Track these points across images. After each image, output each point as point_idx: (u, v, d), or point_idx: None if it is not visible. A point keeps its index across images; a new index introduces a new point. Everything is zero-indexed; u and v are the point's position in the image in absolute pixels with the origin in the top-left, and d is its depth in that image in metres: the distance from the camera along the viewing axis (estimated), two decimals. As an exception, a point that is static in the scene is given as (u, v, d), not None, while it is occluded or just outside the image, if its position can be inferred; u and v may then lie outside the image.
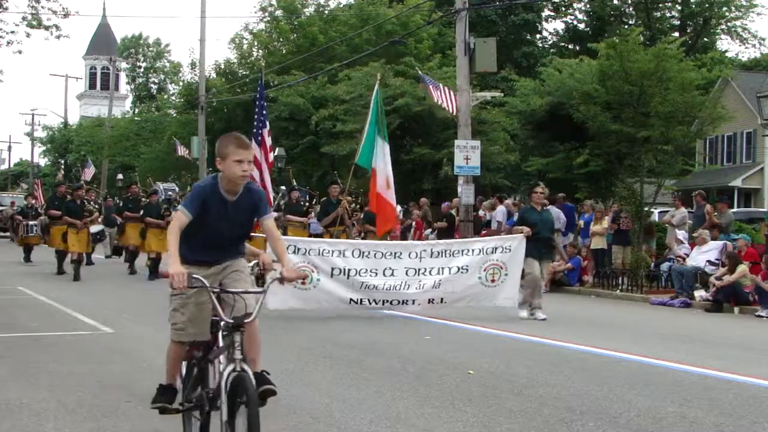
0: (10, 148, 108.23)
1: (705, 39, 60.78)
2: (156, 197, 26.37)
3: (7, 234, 52.57)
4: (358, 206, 28.64)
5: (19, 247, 32.55)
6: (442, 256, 15.88)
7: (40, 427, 7.66)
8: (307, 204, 27.46)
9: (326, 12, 55.22)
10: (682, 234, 25.25)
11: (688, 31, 57.63)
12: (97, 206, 30.92)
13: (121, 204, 28.42)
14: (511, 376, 10.29)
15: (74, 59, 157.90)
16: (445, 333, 14.22)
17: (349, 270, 15.42)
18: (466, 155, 26.80)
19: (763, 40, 65.39)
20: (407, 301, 15.71)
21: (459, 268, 15.82)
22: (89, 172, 51.98)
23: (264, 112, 19.21)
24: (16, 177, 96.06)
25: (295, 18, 54.88)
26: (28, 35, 35.75)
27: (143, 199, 26.99)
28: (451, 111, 29.35)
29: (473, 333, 14.25)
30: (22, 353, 11.68)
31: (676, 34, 52.22)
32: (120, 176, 60.43)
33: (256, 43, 58.17)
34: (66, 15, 38.09)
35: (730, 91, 46.42)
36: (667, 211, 30.10)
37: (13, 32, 38.81)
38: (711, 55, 53.51)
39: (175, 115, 63.30)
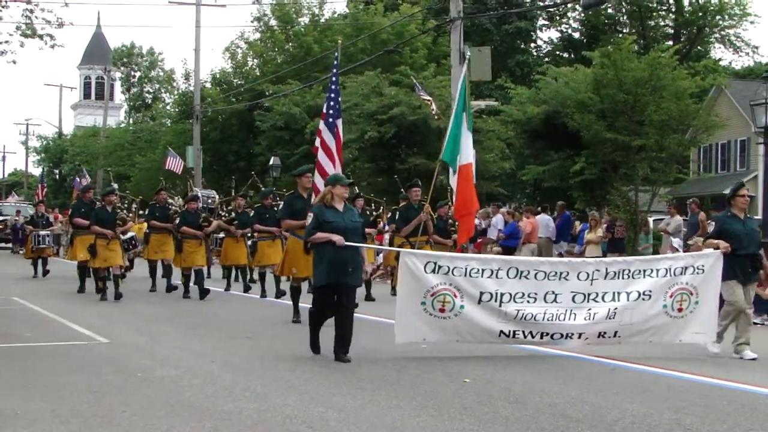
0: (4, 158, 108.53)
1: (699, 47, 60.86)
2: (195, 205, 22.64)
3: (9, 246, 52.36)
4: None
5: (27, 259, 30.34)
6: (619, 277, 12.36)
7: (36, 437, 7.65)
8: (374, 213, 26.10)
9: (321, 21, 55.26)
10: (677, 242, 25.25)
11: (682, 39, 57.68)
12: (131, 215, 28.89)
13: (147, 212, 24.83)
14: (506, 384, 10.28)
15: (69, 69, 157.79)
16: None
17: (502, 295, 12.00)
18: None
19: (757, 48, 65.61)
20: (571, 334, 12.30)
21: (640, 294, 12.32)
22: (85, 182, 51.86)
23: (339, 98, 17.11)
24: (10, 187, 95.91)
25: (290, 27, 54.90)
26: (22, 45, 35.64)
27: (173, 207, 24.52)
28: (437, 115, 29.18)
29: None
30: (15, 363, 11.65)
31: (670, 42, 52.31)
32: (115, 185, 60.32)
33: (251, 53, 58.22)
34: (61, 25, 37.94)
35: (723, 100, 46.52)
36: (662, 219, 30.12)
37: (6, 42, 38.80)
38: (705, 63, 53.43)
39: (169, 124, 63.29)
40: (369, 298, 20.17)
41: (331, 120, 16.78)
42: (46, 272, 28.65)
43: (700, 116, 31.72)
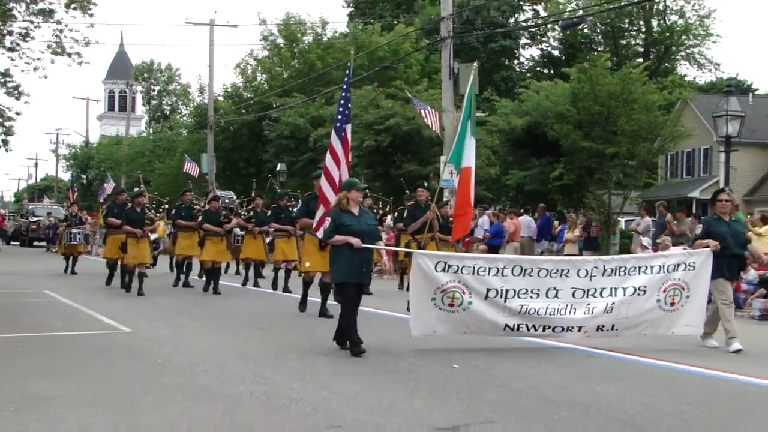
0: (36, 164, 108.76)
1: (666, 64, 60.96)
2: (216, 204, 22.54)
3: (43, 243, 52.35)
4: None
5: (61, 256, 30.22)
6: (616, 274, 12.17)
7: (66, 418, 7.64)
8: (380, 212, 25.72)
9: (323, 40, 55.29)
10: (646, 240, 25.30)
11: (651, 57, 57.75)
12: (160, 214, 28.88)
13: (173, 212, 24.60)
14: (493, 371, 10.29)
15: (94, 84, 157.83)
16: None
17: (507, 291, 11.84)
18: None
19: (719, 65, 65.65)
20: (572, 327, 12.09)
21: (636, 289, 12.15)
22: (109, 187, 51.82)
23: (349, 105, 16.40)
24: (42, 191, 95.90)
25: (295, 46, 54.94)
26: (52, 62, 35.76)
27: (197, 207, 24.05)
28: (434, 130, 29.29)
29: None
30: (47, 351, 11.66)
31: (640, 59, 52.19)
32: (136, 189, 60.26)
33: (259, 69, 58.24)
34: (87, 43, 38.23)
35: (688, 112, 46.50)
36: (633, 220, 30.17)
37: (39, 59, 38.89)
38: (671, 78, 53.62)
39: (186, 134, 63.28)
40: (367, 292, 20.10)
41: (338, 125, 16.51)
42: (74, 272, 28.41)
43: (667, 127, 31.72)
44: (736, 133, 23.84)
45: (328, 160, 15.52)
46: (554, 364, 10.85)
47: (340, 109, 16.02)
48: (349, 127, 15.94)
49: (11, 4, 36.51)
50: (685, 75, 61.91)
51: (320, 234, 13.87)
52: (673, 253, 13.79)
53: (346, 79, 16.69)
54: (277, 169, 44.18)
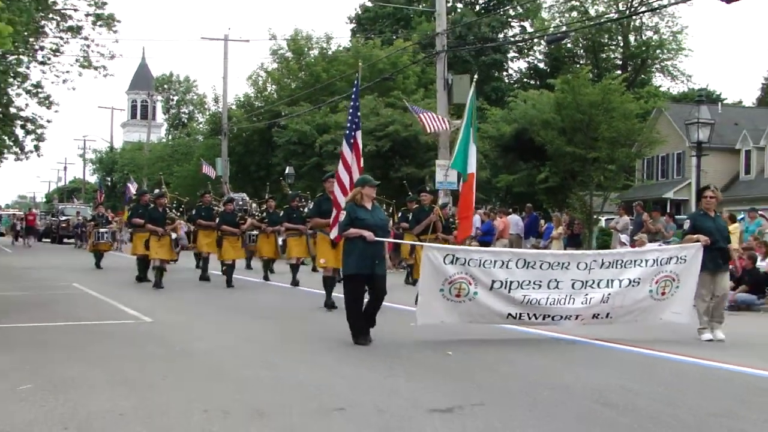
0: (65, 168, 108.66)
1: (642, 76, 60.95)
2: (232, 206, 22.64)
3: (72, 240, 52.38)
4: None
5: (90, 252, 30.12)
6: (613, 267, 11.98)
7: (91, 400, 7.67)
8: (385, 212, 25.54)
9: (328, 54, 55.32)
10: (624, 237, 25.31)
11: (629, 69, 57.68)
12: (178, 214, 28.16)
13: (194, 212, 24.53)
14: (482, 357, 10.31)
15: (118, 94, 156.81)
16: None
17: (511, 282, 11.60)
18: (446, 172, 26.83)
19: (690, 77, 65.96)
20: (570, 316, 11.90)
21: (630, 281, 11.96)
22: (133, 188, 51.83)
23: (358, 113, 16.04)
24: (70, 192, 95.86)
25: (302, 59, 55.00)
26: (80, 74, 35.86)
27: (216, 208, 23.62)
28: (442, 129, 28.67)
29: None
30: (75, 338, 11.70)
31: (619, 71, 52.21)
32: (156, 191, 60.29)
33: (269, 80, 58.30)
34: (112, 57, 38.51)
35: (663, 120, 46.51)
36: (613, 219, 30.15)
37: (68, 72, 39.10)
38: (647, 89, 53.69)
39: (202, 140, 63.27)
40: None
41: (349, 132, 16.28)
42: (98, 265, 28.28)
43: (643, 133, 31.78)
44: (706, 139, 23.84)
45: (340, 167, 15.39)
46: (538, 351, 10.88)
47: (350, 118, 15.85)
48: (359, 134, 15.75)
49: (43, 22, 36.69)
50: (659, 86, 61.98)
51: (333, 234, 13.81)
52: (666, 248, 13.53)
53: (354, 89, 16.57)
54: (286, 172, 44.25)
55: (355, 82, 17.03)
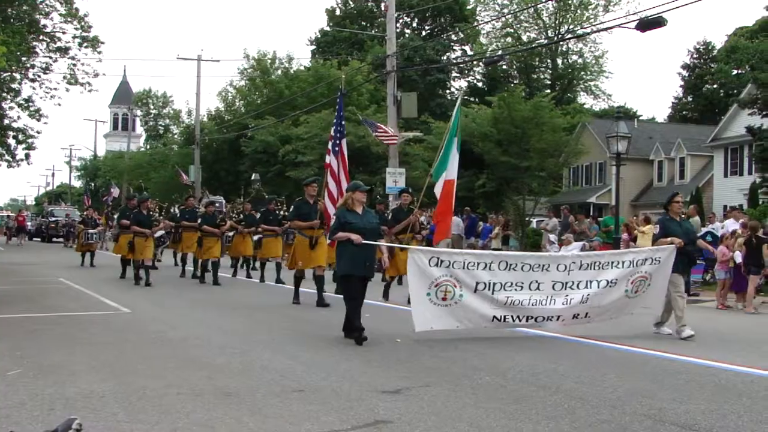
0: (53, 174, 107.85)
1: (569, 94, 61.49)
2: (212, 209, 21.98)
3: (60, 240, 51.59)
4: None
5: (77, 252, 29.15)
6: (591, 268, 11.32)
7: (74, 383, 7.53)
8: None
9: (290, 72, 55.28)
10: (553, 237, 25.52)
11: (557, 88, 58.18)
12: (161, 216, 27.70)
13: (178, 215, 23.98)
14: (430, 343, 10.29)
15: (102, 107, 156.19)
16: (377, 311, 13.84)
17: (494, 284, 10.81)
18: (395, 179, 26.89)
19: (610, 95, 66.87)
20: (552, 317, 11.20)
21: (608, 282, 11.36)
22: (114, 192, 51.21)
23: (342, 122, 15.37)
24: (57, 196, 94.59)
25: (266, 77, 54.89)
26: (67, 90, 35.53)
27: (198, 211, 23.09)
28: (390, 140, 28.52)
29: (399, 310, 13.75)
30: (61, 327, 11.49)
31: (548, 90, 52.60)
32: (144, 193, 59.61)
33: (238, 96, 58.11)
34: (96, 75, 38.59)
35: (587, 133, 46.99)
36: (543, 220, 30.38)
37: (56, 89, 38.81)
38: (573, 106, 54.07)
39: (176, 149, 62.87)
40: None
41: (333, 141, 15.84)
42: (92, 264, 27.42)
43: (569, 145, 32.09)
44: (624, 151, 24.08)
45: (329, 178, 15.16)
46: (481, 338, 10.86)
47: (334, 128, 15.53)
48: (344, 142, 15.37)
49: (34, 43, 36.61)
50: (584, 103, 62.50)
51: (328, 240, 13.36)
52: (642, 249, 12.88)
53: (338, 100, 16.20)
54: (252, 178, 44.32)
55: (339, 94, 16.75)
